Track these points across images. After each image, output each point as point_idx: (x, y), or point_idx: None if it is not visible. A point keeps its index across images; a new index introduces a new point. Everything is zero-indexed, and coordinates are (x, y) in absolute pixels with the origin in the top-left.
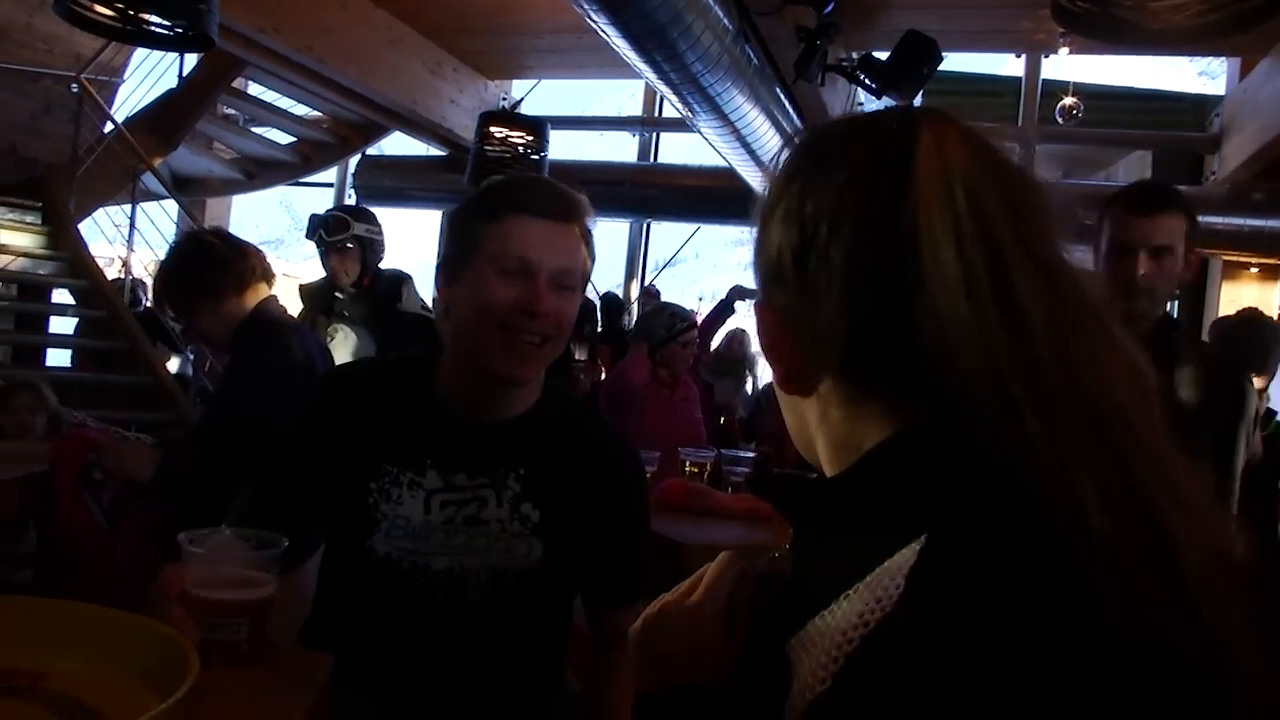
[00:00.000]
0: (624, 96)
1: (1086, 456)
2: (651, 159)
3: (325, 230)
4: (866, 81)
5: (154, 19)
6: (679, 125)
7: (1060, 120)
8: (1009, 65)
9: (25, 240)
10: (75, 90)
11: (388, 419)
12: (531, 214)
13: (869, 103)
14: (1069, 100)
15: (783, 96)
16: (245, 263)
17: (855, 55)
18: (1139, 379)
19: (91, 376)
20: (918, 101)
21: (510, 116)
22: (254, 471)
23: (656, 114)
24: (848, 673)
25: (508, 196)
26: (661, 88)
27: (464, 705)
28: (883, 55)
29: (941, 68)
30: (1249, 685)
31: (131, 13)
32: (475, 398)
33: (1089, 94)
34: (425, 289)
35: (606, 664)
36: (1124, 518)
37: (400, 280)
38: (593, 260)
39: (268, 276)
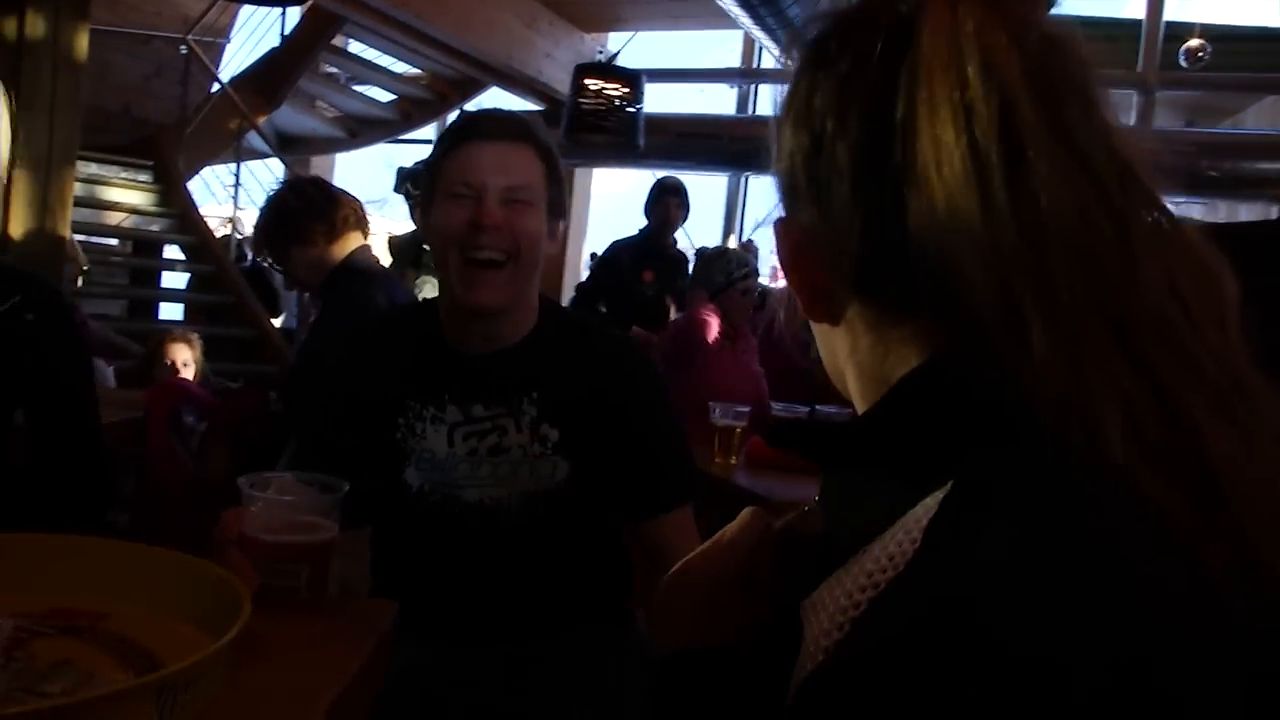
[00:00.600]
0: (723, 50)
1: (1109, 375)
2: (750, 111)
3: (411, 184)
4: None
5: None
6: (779, 76)
7: (1184, 64)
8: (1129, 7)
9: (138, 198)
10: (184, 51)
11: (404, 362)
12: (478, 139)
13: None
14: (1194, 43)
15: None
16: (338, 211)
17: None
18: (1207, 284)
19: (204, 329)
20: None
21: (606, 69)
22: (293, 429)
23: (755, 65)
24: (847, 644)
25: (458, 128)
26: (760, 36)
27: (519, 650)
28: None
29: (1053, 10)
30: None
31: None
32: (469, 330)
33: (1216, 35)
34: None
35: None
36: (1158, 453)
37: None
38: (555, 180)
39: (362, 225)
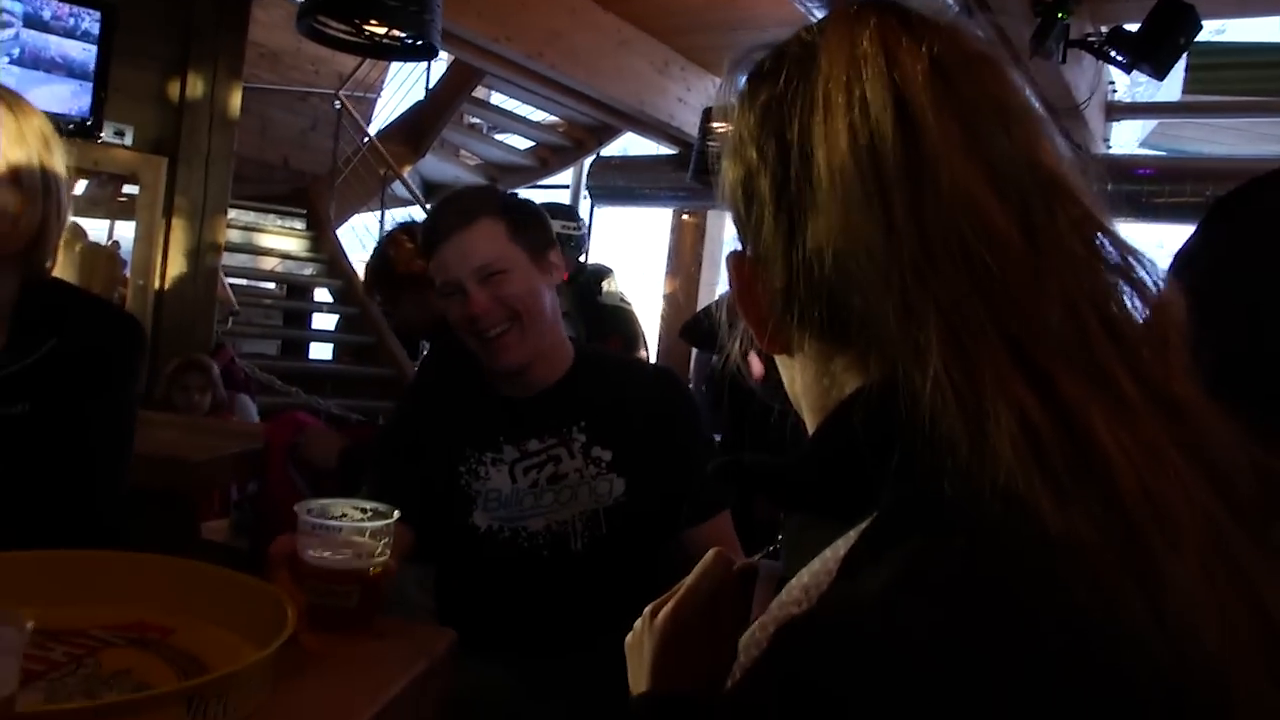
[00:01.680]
0: None
1: (1006, 395)
2: None
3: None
4: (1115, 56)
5: (378, 28)
6: None
7: None
8: None
9: (291, 244)
10: (337, 107)
11: (457, 410)
12: (440, 239)
13: (1118, 80)
14: None
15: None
16: None
17: (1103, 29)
18: (1145, 302)
19: (346, 368)
20: (1178, 77)
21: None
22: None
23: None
24: (738, 679)
25: (425, 235)
26: None
27: (587, 658)
28: (1133, 27)
29: (1208, 37)
30: None
31: (362, 25)
32: (509, 382)
33: None
34: (640, 282)
35: None
36: (1059, 475)
37: (601, 274)
38: (524, 229)
39: None
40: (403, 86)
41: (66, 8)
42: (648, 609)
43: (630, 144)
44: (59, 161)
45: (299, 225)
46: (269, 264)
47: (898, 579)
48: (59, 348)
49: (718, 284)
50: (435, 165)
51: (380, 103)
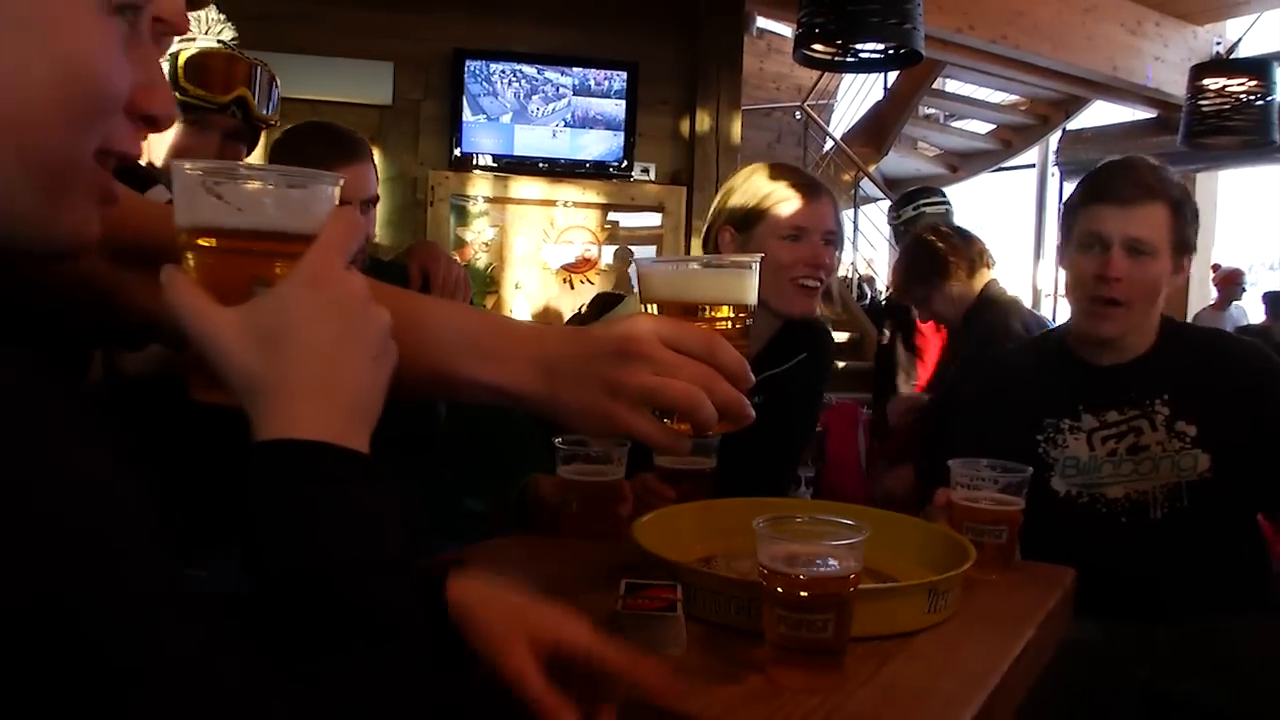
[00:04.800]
0: None
1: None
2: None
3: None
4: None
5: (866, 46)
6: None
7: None
8: None
9: None
10: (799, 118)
11: (1040, 381)
12: (1107, 201)
13: None
14: None
15: None
16: (973, 247)
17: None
18: None
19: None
20: None
21: (1226, 64)
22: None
23: None
24: None
25: (1089, 189)
26: None
27: (1173, 632)
28: None
29: None
30: None
31: (848, 45)
32: (1095, 350)
33: None
34: None
35: None
36: None
37: None
38: (1183, 224)
39: (989, 261)
40: (861, 90)
41: (603, 73)
42: None
43: (1097, 114)
44: None
45: None
46: None
47: None
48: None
49: (1212, 249)
50: (894, 161)
51: (838, 109)
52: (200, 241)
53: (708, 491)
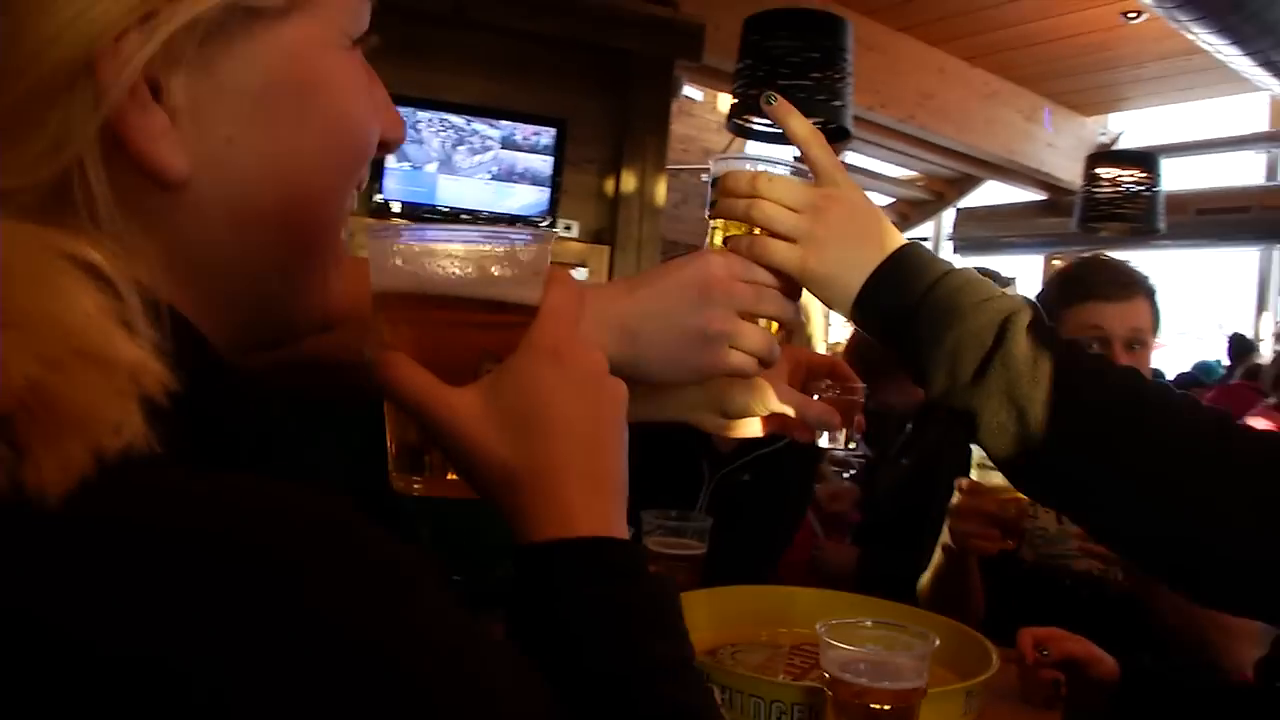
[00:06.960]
0: (1240, 112)
1: None
2: None
3: None
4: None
5: None
6: None
7: None
8: None
9: None
10: (706, 179)
11: None
12: (1099, 299)
13: None
14: None
15: None
16: None
17: None
18: None
19: None
20: None
21: (1118, 155)
22: None
23: None
24: None
25: (1078, 282)
26: None
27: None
28: None
29: None
30: None
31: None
32: None
33: None
34: None
35: None
36: None
37: None
38: (1156, 316)
39: None
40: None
41: (531, 128)
42: None
43: (989, 193)
44: None
45: None
46: None
47: None
48: None
49: None
50: None
51: None
52: (417, 313)
53: (699, 577)
